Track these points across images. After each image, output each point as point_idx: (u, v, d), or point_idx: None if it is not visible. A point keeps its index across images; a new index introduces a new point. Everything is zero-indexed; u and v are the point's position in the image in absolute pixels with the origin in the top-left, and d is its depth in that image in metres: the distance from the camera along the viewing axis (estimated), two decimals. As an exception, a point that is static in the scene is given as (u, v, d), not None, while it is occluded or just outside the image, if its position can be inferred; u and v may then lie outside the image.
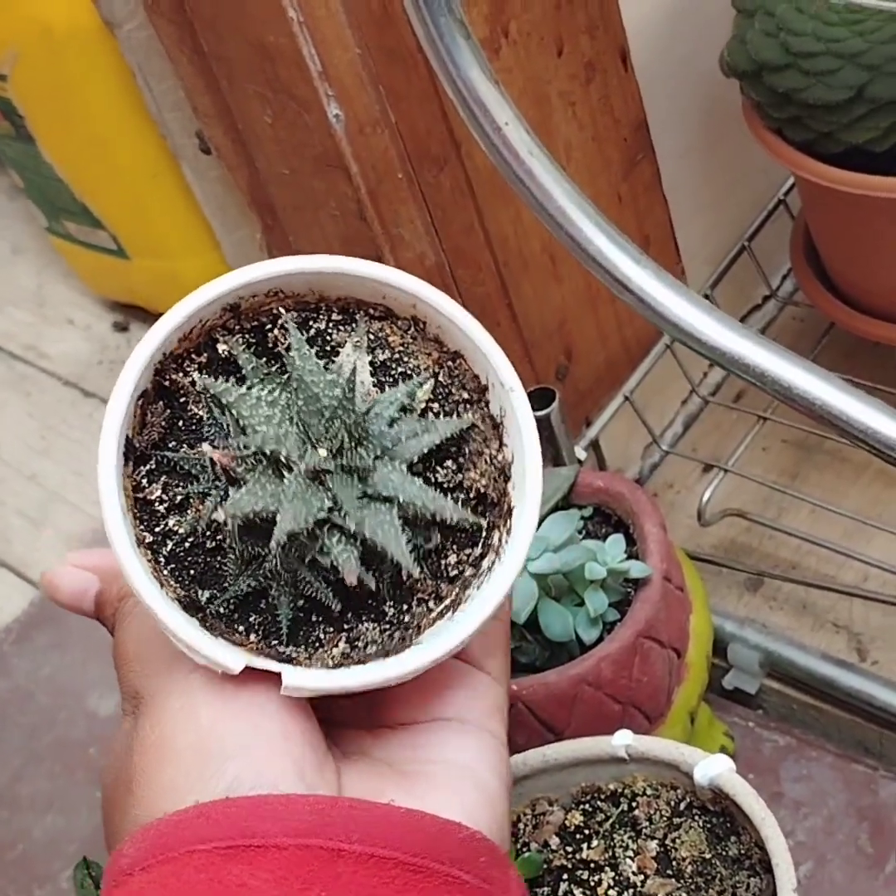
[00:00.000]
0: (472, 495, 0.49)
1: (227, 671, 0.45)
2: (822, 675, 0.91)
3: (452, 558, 0.48)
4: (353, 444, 0.46)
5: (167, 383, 0.49)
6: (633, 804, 0.69)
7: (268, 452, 0.45)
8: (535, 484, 0.48)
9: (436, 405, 0.49)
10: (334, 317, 0.50)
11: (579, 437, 0.99)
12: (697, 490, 1.04)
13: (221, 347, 0.49)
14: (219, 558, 0.47)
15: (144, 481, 0.48)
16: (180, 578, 0.47)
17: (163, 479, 0.48)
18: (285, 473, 0.45)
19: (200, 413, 0.48)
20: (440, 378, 0.50)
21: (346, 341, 0.49)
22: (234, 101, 0.83)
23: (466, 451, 0.49)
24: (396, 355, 0.50)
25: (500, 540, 0.48)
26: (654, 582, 0.80)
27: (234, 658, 0.45)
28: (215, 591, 0.47)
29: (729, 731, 0.90)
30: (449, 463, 0.49)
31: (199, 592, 0.47)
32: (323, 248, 0.88)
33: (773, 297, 1.11)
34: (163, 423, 0.48)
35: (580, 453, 0.97)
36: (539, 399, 0.90)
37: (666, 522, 1.06)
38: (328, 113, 0.78)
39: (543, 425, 0.91)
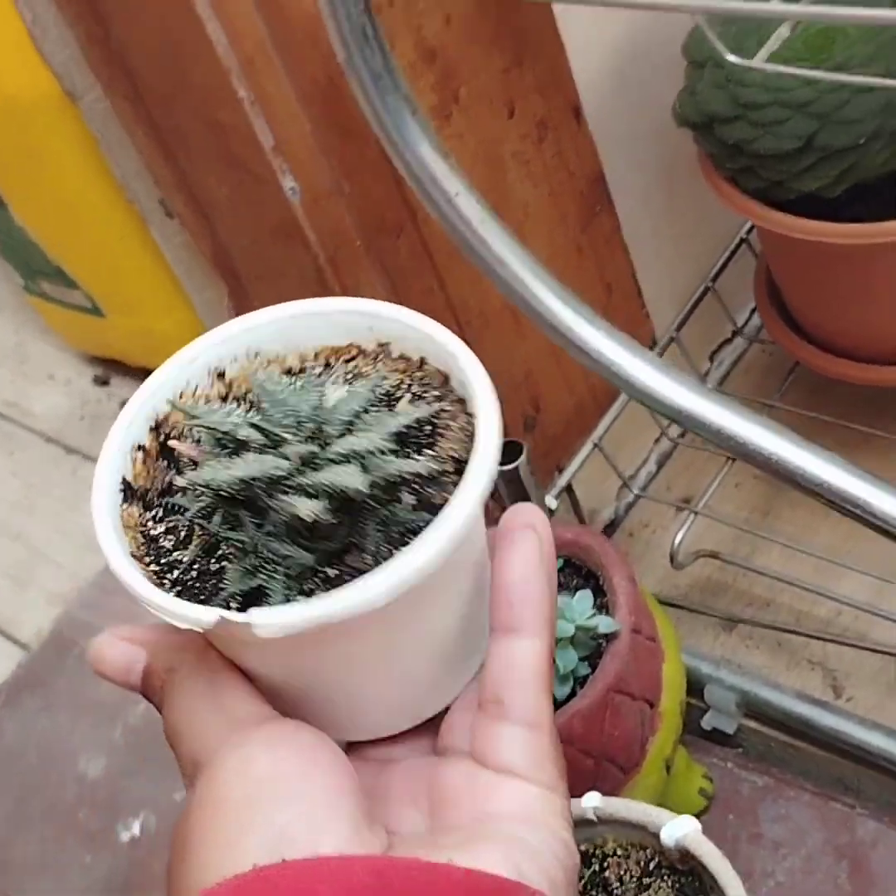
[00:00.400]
0: (449, 465, 0.49)
1: (203, 626, 0.45)
2: (799, 715, 0.92)
3: None
4: (315, 426, 0.47)
5: (167, 444, 0.51)
6: (605, 865, 0.70)
7: (224, 432, 0.47)
8: (488, 416, 0.48)
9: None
10: (316, 371, 0.52)
11: (551, 485, 1.00)
12: (673, 528, 1.05)
13: None
14: (224, 580, 0.48)
15: (150, 523, 0.50)
16: (186, 599, 0.48)
17: (167, 522, 0.50)
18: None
19: (207, 495, 0.49)
20: (413, 389, 0.52)
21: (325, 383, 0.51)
22: (191, 175, 0.85)
23: (438, 433, 0.50)
24: (371, 382, 0.52)
25: None
26: (623, 636, 0.81)
27: (207, 613, 0.45)
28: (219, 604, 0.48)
29: (707, 774, 0.91)
30: (428, 451, 0.50)
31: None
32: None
33: (739, 335, 1.12)
34: (167, 480, 0.50)
35: (551, 503, 0.98)
36: (507, 452, 0.91)
37: (642, 562, 1.08)
38: (283, 186, 0.79)
39: (512, 478, 0.92)
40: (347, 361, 0.53)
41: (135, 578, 0.47)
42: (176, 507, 0.50)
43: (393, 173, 0.79)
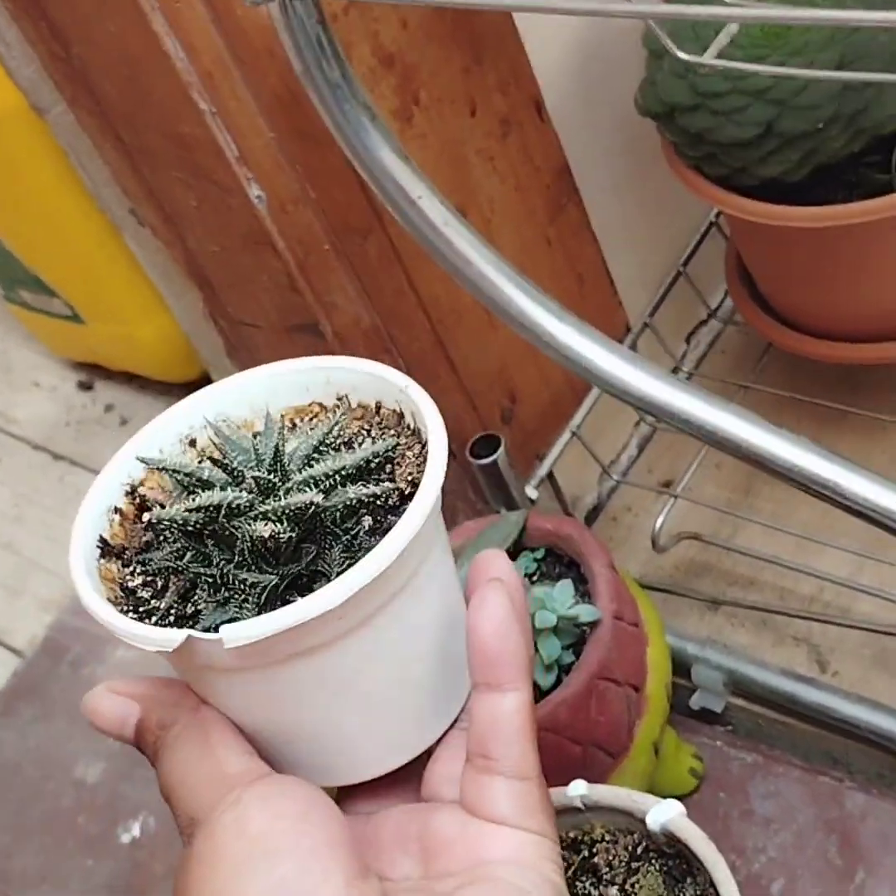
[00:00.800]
0: (406, 490, 0.52)
1: (172, 646, 0.47)
2: (785, 692, 0.93)
3: None
4: (272, 466, 0.50)
5: (145, 509, 0.54)
6: (593, 851, 0.72)
7: (187, 474, 0.50)
8: (437, 443, 0.50)
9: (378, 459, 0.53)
10: (284, 433, 0.54)
11: (532, 476, 1.01)
12: (655, 511, 1.06)
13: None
14: (199, 619, 0.50)
15: (128, 577, 0.52)
16: None
17: (145, 576, 0.52)
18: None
19: (180, 540, 0.51)
20: (372, 433, 0.55)
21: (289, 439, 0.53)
22: (158, 187, 0.86)
23: (396, 463, 0.53)
24: (333, 433, 0.53)
25: None
26: (605, 623, 0.82)
27: (176, 633, 0.47)
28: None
29: (697, 753, 0.92)
30: (385, 481, 0.52)
31: None
32: (261, 318, 0.91)
33: (714, 317, 1.13)
34: (144, 540, 0.53)
35: (532, 493, 0.99)
36: (485, 446, 0.92)
37: (625, 546, 1.09)
38: (250, 194, 0.80)
39: (491, 471, 0.93)
40: (311, 419, 0.56)
41: (103, 608, 0.49)
42: (152, 563, 0.52)
43: (357, 177, 0.80)
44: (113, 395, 1.38)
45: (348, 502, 0.50)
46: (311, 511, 0.48)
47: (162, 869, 0.96)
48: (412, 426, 0.54)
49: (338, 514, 0.50)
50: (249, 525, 0.48)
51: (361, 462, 0.51)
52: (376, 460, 0.52)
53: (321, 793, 0.50)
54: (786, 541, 1.01)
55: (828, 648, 0.97)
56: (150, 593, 0.51)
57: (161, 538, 0.52)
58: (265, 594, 0.49)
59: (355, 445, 0.54)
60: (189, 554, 0.50)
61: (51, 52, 0.82)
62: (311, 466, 0.50)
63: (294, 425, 0.56)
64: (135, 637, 0.48)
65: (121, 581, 0.52)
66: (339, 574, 0.48)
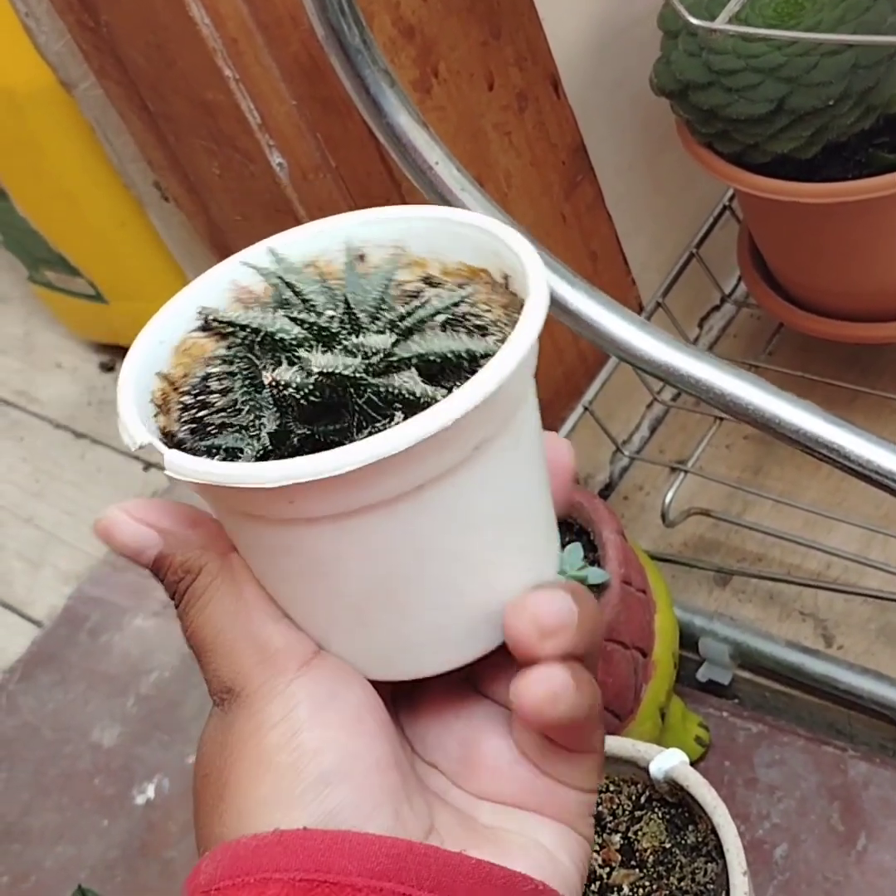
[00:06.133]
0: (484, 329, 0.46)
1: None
2: (790, 663, 0.94)
3: None
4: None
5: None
6: (598, 800, 0.73)
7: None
8: (537, 281, 0.43)
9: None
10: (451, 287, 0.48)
11: (544, 449, 1.03)
12: (667, 490, 1.07)
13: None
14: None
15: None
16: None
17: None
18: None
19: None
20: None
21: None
22: (183, 155, 0.87)
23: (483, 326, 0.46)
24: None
25: None
26: (613, 587, 0.83)
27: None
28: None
29: (704, 722, 0.94)
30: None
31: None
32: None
33: (727, 301, 1.14)
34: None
35: (544, 466, 1.00)
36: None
37: (637, 523, 1.11)
38: (272, 162, 0.82)
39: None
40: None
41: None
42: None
43: (377, 146, 0.82)
44: (134, 377, 1.40)
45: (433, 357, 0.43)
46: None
47: (176, 829, 0.98)
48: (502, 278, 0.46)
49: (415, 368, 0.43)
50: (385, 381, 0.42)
51: (448, 306, 0.45)
52: (463, 304, 0.45)
53: (370, 690, 0.47)
54: (794, 518, 1.02)
55: (833, 623, 0.98)
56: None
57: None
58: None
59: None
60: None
61: (80, 23, 0.84)
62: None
63: (460, 286, 0.47)
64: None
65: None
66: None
